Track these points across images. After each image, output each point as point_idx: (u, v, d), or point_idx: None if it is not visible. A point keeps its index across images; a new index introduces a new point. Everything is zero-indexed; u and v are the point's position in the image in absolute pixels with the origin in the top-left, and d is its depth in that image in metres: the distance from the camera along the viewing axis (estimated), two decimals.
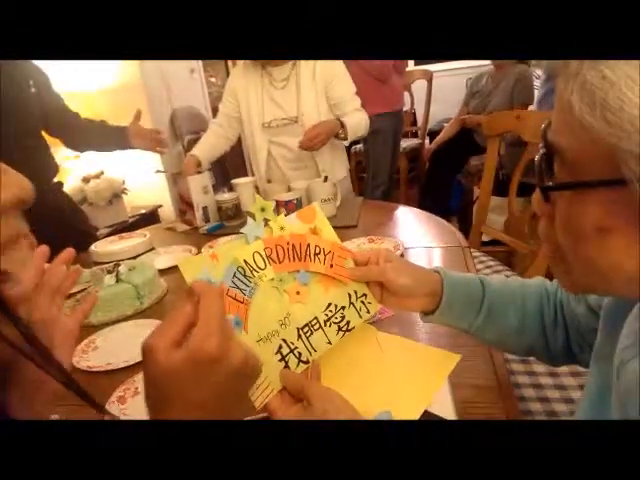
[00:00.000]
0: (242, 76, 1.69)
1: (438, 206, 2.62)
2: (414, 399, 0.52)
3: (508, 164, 2.30)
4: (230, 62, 3.60)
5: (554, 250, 0.37)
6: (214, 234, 1.45)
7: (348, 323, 0.58)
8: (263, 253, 0.53)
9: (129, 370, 0.77)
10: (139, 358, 0.79)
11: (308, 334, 0.55)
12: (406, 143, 3.28)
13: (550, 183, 0.34)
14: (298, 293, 0.55)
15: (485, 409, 0.59)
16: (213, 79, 3.46)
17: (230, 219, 1.49)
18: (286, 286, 0.54)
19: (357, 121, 1.65)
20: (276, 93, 1.65)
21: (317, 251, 0.58)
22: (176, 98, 2.87)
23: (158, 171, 2.49)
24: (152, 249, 1.37)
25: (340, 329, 0.57)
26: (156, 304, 1.03)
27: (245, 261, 0.51)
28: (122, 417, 0.66)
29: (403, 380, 0.55)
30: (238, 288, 0.50)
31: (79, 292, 1.10)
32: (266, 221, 0.55)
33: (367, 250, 0.62)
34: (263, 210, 0.55)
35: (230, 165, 2.94)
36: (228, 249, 0.51)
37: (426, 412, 0.52)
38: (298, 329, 0.54)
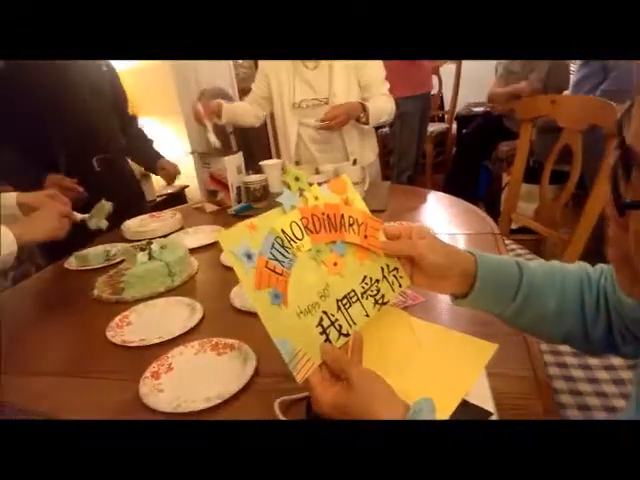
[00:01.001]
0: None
1: (464, 192, 2.57)
2: (452, 388, 0.52)
3: (539, 150, 2.24)
4: None
5: (621, 257, 0.35)
6: (241, 215, 1.46)
7: (383, 296, 0.58)
8: (300, 223, 0.53)
9: (162, 346, 0.79)
10: (172, 335, 0.82)
11: (347, 306, 0.54)
12: (433, 127, 3.22)
13: (628, 199, 0.31)
14: (335, 264, 0.55)
15: (521, 400, 0.58)
16: (240, 60, 3.44)
17: (257, 200, 1.49)
18: (323, 257, 0.54)
19: (381, 106, 1.63)
20: (308, 74, 1.64)
21: (351, 222, 0.58)
22: (203, 79, 2.86)
23: (192, 152, 2.50)
24: (181, 228, 1.38)
25: (376, 302, 0.57)
26: (187, 282, 1.04)
27: (283, 231, 0.51)
28: (156, 392, 0.67)
29: (440, 368, 0.55)
30: (277, 260, 0.50)
31: (112, 267, 1.12)
32: (301, 191, 0.55)
33: (399, 224, 0.61)
34: (297, 179, 0.55)
35: (256, 148, 2.94)
36: (266, 218, 0.51)
37: (464, 401, 0.51)
38: (337, 301, 0.54)
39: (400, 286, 0.59)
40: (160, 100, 2.69)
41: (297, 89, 1.65)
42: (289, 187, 0.54)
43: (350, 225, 0.57)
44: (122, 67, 2.56)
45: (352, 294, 0.55)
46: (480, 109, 3.21)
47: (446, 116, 3.61)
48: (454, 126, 3.45)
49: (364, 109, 1.57)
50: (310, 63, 1.64)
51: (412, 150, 2.65)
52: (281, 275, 0.50)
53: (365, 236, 0.58)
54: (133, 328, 0.87)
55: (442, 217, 1.30)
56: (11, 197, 1.09)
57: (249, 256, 0.48)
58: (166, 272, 1.00)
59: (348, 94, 1.62)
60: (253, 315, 0.84)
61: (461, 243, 1.10)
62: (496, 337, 0.67)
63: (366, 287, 0.57)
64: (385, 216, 1.27)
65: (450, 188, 2.92)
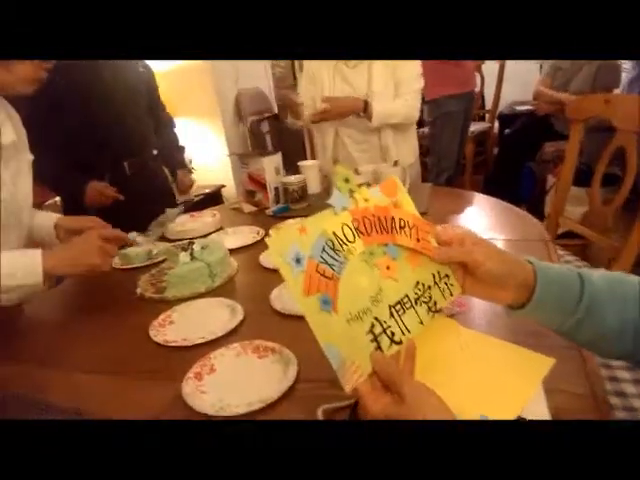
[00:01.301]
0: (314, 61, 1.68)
1: (506, 194, 2.49)
2: (507, 404, 0.49)
3: (588, 151, 2.14)
4: None
5: None
6: (279, 216, 1.45)
7: (435, 303, 0.56)
8: (351, 225, 0.52)
9: (204, 347, 0.79)
10: (214, 335, 0.82)
11: (400, 313, 0.52)
12: (474, 126, 3.14)
13: None
14: (388, 268, 0.53)
15: (578, 417, 0.54)
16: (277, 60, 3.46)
17: (296, 202, 1.49)
18: (376, 260, 0.52)
19: (393, 107, 1.61)
20: (348, 72, 1.64)
21: (402, 224, 0.56)
22: (242, 79, 2.89)
23: (230, 154, 2.53)
24: (221, 228, 1.39)
25: (430, 309, 0.55)
26: (227, 283, 1.05)
27: (334, 233, 0.50)
28: (199, 394, 0.67)
29: (494, 382, 0.52)
30: (327, 263, 0.49)
31: (154, 266, 1.14)
32: (351, 192, 0.53)
33: (451, 230, 0.58)
34: (347, 181, 0.53)
35: (291, 148, 2.95)
36: (317, 221, 0.50)
37: (520, 418, 0.48)
38: (390, 307, 0.52)
39: (451, 294, 0.57)
40: (199, 101, 2.74)
41: (337, 87, 1.65)
42: (339, 188, 0.53)
43: (401, 228, 0.55)
44: (161, 68, 2.62)
45: (405, 300, 0.54)
46: (524, 108, 3.11)
47: (487, 115, 3.52)
48: (496, 125, 3.36)
49: (366, 107, 1.56)
50: (350, 62, 1.63)
51: (453, 150, 2.59)
52: (331, 279, 0.48)
53: (417, 239, 0.56)
54: (175, 327, 0.87)
55: (488, 221, 1.26)
56: (49, 218, 1.08)
57: (298, 260, 0.47)
58: (207, 272, 1.00)
59: (387, 93, 1.61)
60: (294, 318, 0.84)
61: (510, 250, 1.05)
62: (549, 350, 0.64)
63: (419, 293, 0.55)
64: (427, 219, 1.23)
65: (491, 190, 2.84)
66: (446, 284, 0.57)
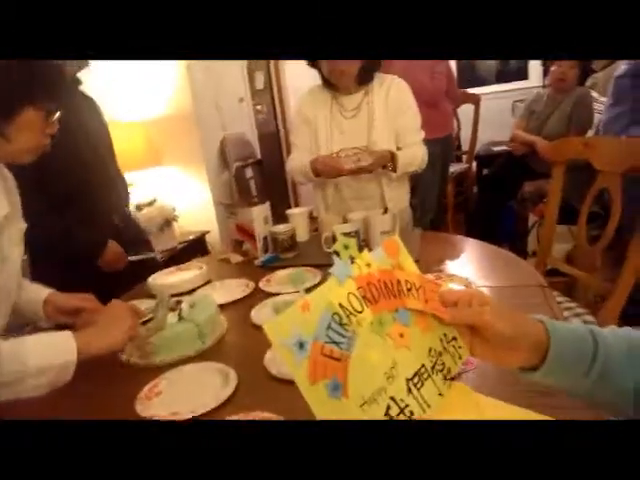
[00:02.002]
0: (311, 104, 1.66)
1: (488, 233, 2.52)
2: None
3: (568, 190, 2.19)
4: (275, 90, 3.66)
5: None
6: (269, 266, 1.42)
7: (449, 370, 0.53)
8: (357, 293, 0.48)
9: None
10: (206, 408, 0.76)
11: (419, 386, 0.49)
12: (453, 167, 3.21)
13: None
14: (402, 335, 0.50)
15: None
16: (259, 107, 3.51)
17: (285, 251, 1.46)
18: (387, 329, 0.49)
19: (411, 156, 1.60)
20: (345, 123, 1.62)
21: (409, 287, 0.52)
22: (227, 126, 2.91)
23: (221, 203, 2.51)
24: (209, 282, 1.35)
25: (445, 377, 0.52)
26: (217, 344, 0.99)
27: (341, 305, 0.46)
28: None
29: None
30: (334, 342, 0.45)
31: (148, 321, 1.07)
32: (352, 259, 0.50)
33: (457, 290, 0.56)
34: (347, 248, 0.51)
35: (274, 194, 2.95)
36: (321, 294, 0.46)
37: None
38: (407, 380, 0.48)
39: (460, 358, 0.54)
40: (184, 148, 2.73)
41: (334, 138, 1.63)
42: (339, 256, 0.50)
43: (409, 290, 0.52)
44: (146, 117, 2.63)
45: (423, 370, 0.50)
46: (500, 148, 3.19)
47: (464, 156, 3.60)
48: (474, 165, 3.44)
49: (392, 158, 1.55)
50: (348, 112, 1.62)
51: (434, 193, 2.63)
52: (339, 360, 0.44)
53: (426, 300, 0.53)
54: (163, 399, 0.81)
55: (480, 267, 1.25)
56: (39, 293, 0.99)
57: (301, 345, 0.43)
58: (197, 333, 0.95)
59: (388, 142, 1.59)
60: (291, 383, 0.79)
61: (506, 297, 1.04)
62: (562, 410, 0.61)
63: (434, 360, 0.52)
64: (419, 267, 1.21)
65: (473, 229, 2.87)
66: (454, 347, 0.54)
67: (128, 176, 2.50)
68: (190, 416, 0.74)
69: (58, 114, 0.86)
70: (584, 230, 1.48)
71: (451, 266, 1.25)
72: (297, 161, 1.67)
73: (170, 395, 0.82)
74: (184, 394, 0.82)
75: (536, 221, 2.51)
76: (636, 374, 0.52)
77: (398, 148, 1.60)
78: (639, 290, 1.26)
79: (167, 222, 2.43)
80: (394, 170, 1.56)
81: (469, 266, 1.26)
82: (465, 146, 3.63)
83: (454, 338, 0.54)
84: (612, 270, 1.38)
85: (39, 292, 1.00)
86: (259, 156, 3.15)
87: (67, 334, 0.78)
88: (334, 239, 1.32)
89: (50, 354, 0.74)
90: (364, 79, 1.58)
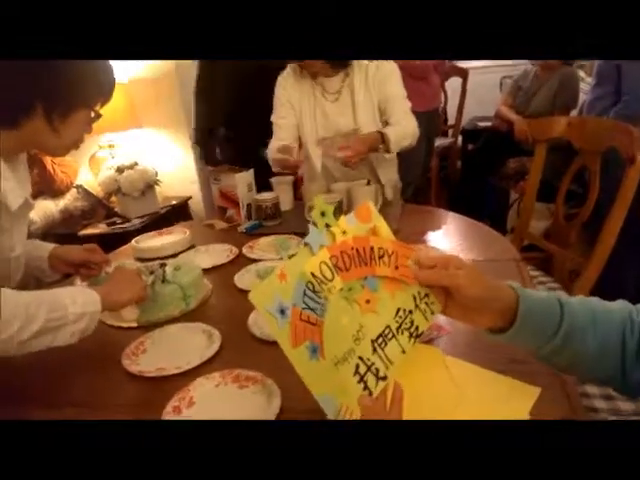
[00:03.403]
0: (293, 87, 1.59)
1: (471, 209, 2.56)
2: None
3: (549, 168, 2.23)
4: None
5: None
6: (252, 233, 1.43)
7: (417, 328, 0.55)
8: (329, 262, 0.50)
9: (182, 376, 0.76)
10: (191, 364, 0.79)
11: (383, 346, 0.52)
12: (438, 141, 3.21)
13: None
14: (368, 302, 0.52)
15: None
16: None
17: (269, 218, 1.47)
18: (356, 295, 0.51)
19: (402, 130, 1.52)
20: (329, 106, 1.57)
21: (381, 253, 0.55)
22: None
23: (194, 144, 2.44)
24: (192, 247, 1.36)
25: (411, 335, 0.55)
26: (201, 306, 1.02)
27: (313, 274, 0.49)
28: None
29: (483, 415, 0.52)
30: (310, 308, 0.47)
31: None
32: (327, 226, 0.52)
33: (434, 254, 0.58)
34: (323, 215, 0.52)
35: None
36: (295, 264, 0.48)
37: None
38: (372, 342, 0.51)
39: (432, 313, 0.57)
40: (164, 111, 2.68)
41: (319, 123, 1.58)
42: (315, 225, 0.51)
43: (380, 257, 0.55)
44: (126, 77, 2.56)
45: (387, 331, 0.53)
46: (486, 123, 3.21)
47: (450, 130, 3.61)
48: (459, 140, 3.45)
49: (383, 139, 1.46)
50: (330, 95, 1.56)
51: (419, 165, 2.64)
52: (315, 325, 0.47)
53: (396, 267, 0.55)
54: (149, 356, 0.84)
55: (459, 240, 1.28)
56: (43, 248, 1.05)
57: (282, 311, 0.45)
58: (181, 295, 0.97)
59: (375, 123, 1.56)
60: (273, 344, 0.81)
61: (482, 270, 1.07)
62: (529, 375, 0.65)
63: (400, 321, 0.54)
64: (398, 239, 1.24)
65: (456, 204, 2.91)
66: (426, 304, 0.57)
67: (109, 137, 2.48)
68: (175, 371, 0.77)
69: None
70: (562, 206, 1.52)
71: (430, 238, 1.28)
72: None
73: (155, 353, 0.85)
74: (169, 352, 0.84)
75: (517, 198, 2.56)
76: (597, 341, 0.56)
77: (387, 122, 1.57)
78: (610, 267, 1.32)
79: (149, 186, 2.40)
80: (387, 150, 1.50)
81: (447, 239, 1.29)
82: (451, 120, 3.63)
83: (427, 295, 0.57)
84: (587, 247, 1.43)
85: (43, 247, 1.05)
86: None
87: (87, 289, 0.83)
88: None
89: (84, 302, 0.79)
90: (337, 64, 1.51)
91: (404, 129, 1.53)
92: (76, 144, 0.91)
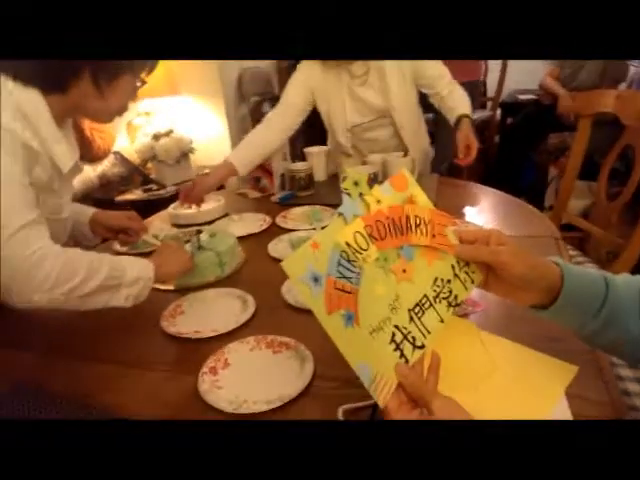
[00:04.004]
0: (319, 74, 1.52)
1: (507, 184, 2.49)
2: (532, 414, 0.49)
3: (592, 145, 2.14)
4: None
5: None
6: (285, 203, 1.44)
7: (456, 297, 0.55)
8: (364, 232, 0.50)
9: (216, 339, 0.78)
10: (226, 328, 0.81)
11: (419, 315, 0.52)
12: (476, 114, 3.10)
13: None
14: (404, 271, 0.52)
15: None
16: None
17: (302, 189, 1.47)
18: (391, 265, 0.51)
19: (466, 99, 1.49)
20: (358, 89, 1.52)
21: (417, 222, 0.54)
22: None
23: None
24: (226, 215, 1.37)
25: (450, 304, 0.54)
26: (236, 273, 1.04)
27: (347, 243, 0.48)
28: (215, 390, 0.67)
29: (517, 390, 0.52)
30: (344, 277, 0.47)
31: None
32: (361, 195, 0.52)
33: (475, 228, 0.57)
34: (357, 184, 0.51)
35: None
36: (328, 233, 0.48)
37: None
38: (409, 311, 0.51)
39: (473, 282, 0.56)
40: (201, 79, 2.68)
41: (351, 109, 1.54)
42: (349, 194, 0.51)
43: (417, 226, 0.54)
44: None
45: (424, 300, 0.53)
46: (527, 97, 3.08)
47: (489, 103, 3.49)
48: (498, 113, 3.33)
49: (471, 121, 1.44)
50: (357, 79, 1.51)
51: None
52: (350, 293, 0.47)
53: (433, 235, 0.55)
54: (186, 318, 0.87)
55: (496, 216, 1.26)
56: (85, 213, 1.08)
57: (316, 279, 0.45)
58: (217, 262, 0.99)
59: (408, 103, 1.52)
60: (307, 312, 0.83)
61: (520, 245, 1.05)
62: (565, 354, 0.64)
63: (438, 290, 0.54)
64: None
65: (491, 179, 2.83)
66: (466, 273, 0.56)
67: (146, 104, 2.50)
68: (211, 334, 0.79)
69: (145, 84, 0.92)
70: (604, 184, 1.47)
71: (466, 213, 1.26)
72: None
73: (192, 315, 0.88)
74: (205, 315, 0.87)
75: (556, 174, 2.48)
76: (639, 322, 0.54)
77: (434, 94, 1.52)
78: None
79: (184, 154, 2.43)
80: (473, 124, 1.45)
81: (484, 214, 1.27)
82: (491, 92, 3.50)
83: (467, 264, 0.56)
84: (627, 228, 1.38)
85: (84, 211, 1.09)
86: (277, 92, 3.09)
87: (144, 259, 0.87)
88: None
89: (140, 268, 0.83)
90: None
91: (466, 100, 1.50)
92: (121, 111, 0.92)
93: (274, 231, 1.24)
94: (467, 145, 1.37)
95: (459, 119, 1.43)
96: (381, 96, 1.51)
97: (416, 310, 0.52)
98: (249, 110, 2.81)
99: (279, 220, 1.30)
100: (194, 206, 1.35)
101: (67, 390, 0.70)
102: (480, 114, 3.23)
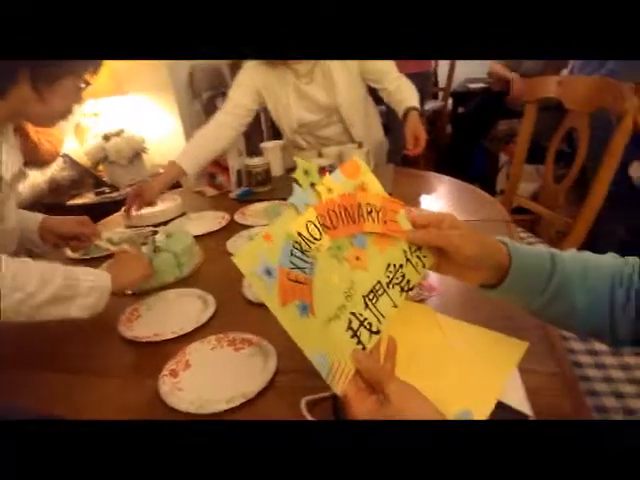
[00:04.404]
0: (264, 74, 1.51)
1: (459, 171, 2.56)
2: (486, 391, 0.51)
3: (538, 129, 2.22)
4: None
5: None
6: (243, 200, 1.43)
7: (409, 282, 0.56)
8: (316, 221, 0.50)
9: (177, 341, 0.77)
10: (186, 329, 0.80)
11: (374, 301, 0.52)
12: (428, 105, 3.17)
13: None
14: (358, 258, 0.52)
15: (551, 398, 0.58)
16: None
17: (259, 185, 1.46)
18: (345, 253, 0.51)
19: (414, 92, 1.52)
20: (306, 88, 1.52)
21: (369, 209, 0.54)
22: None
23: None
24: (183, 214, 1.35)
25: (402, 289, 0.55)
26: (195, 272, 1.02)
27: (299, 234, 0.48)
28: (176, 391, 0.66)
29: (472, 369, 0.54)
30: (298, 267, 0.47)
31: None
32: (312, 185, 0.51)
33: (428, 213, 0.58)
34: (307, 173, 0.51)
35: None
36: (280, 225, 0.48)
37: (500, 404, 0.51)
38: (364, 297, 0.52)
39: (424, 266, 0.57)
40: (150, 76, 2.60)
41: (294, 110, 1.54)
42: (299, 184, 0.50)
43: (369, 213, 0.54)
44: None
45: (378, 286, 0.53)
46: (477, 85, 3.16)
47: (440, 93, 3.56)
48: (449, 103, 3.41)
49: (420, 113, 1.47)
50: (303, 78, 1.50)
51: None
52: (304, 284, 0.47)
53: (385, 222, 0.55)
54: (144, 322, 0.85)
55: (450, 202, 1.29)
56: (34, 220, 1.04)
57: (269, 272, 0.45)
58: (174, 263, 0.97)
59: (355, 98, 1.54)
60: (267, 308, 0.83)
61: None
62: (517, 331, 0.67)
63: (391, 275, 0.55)
64: None
65: (445, 167, 2.90)
66: (418, 257, 0.57)
67: (92, 104, 2.42)
68: (171, 336, 0.78)
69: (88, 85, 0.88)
70: (551, 167, 1.53)
71: (421, 201, 1.29)
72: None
73: (150, 318, 0.86)
74: (164, 317, 0.85)
75: (506, 161, 2.56)
76: (587, 295, 0.57)
77: (382, 89, 1.55)
78: (597, 227, 1.34)
79: (136, 154, 2.36)
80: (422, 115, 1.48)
81: (439, 201, 1.30)
82: (442, 83, 3.57)
83: (419, 248, 0.57)
84: (574, 208, 1.45)
85: (32, 219, 1.04)
86: (230, 86, 3.04)
87: (100, 270, 0.84)
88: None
89: (95, 278, 0.80)
90: None
91: (414, 92, 1.52)
92: (65, 114, 0.89)
93: (233, 228, 1.23)
94: (415, 137, 1.41)
95: (407, 112, 1.46)
96: (327, 93, 1.51)
97: (370, 296, 0.52)
98: (202, 106, 2.76)
99: (238, 217, 1.28)
100: (148, 208, 1.32)
101: (23, 401, 0.68)
102: (432, 104, 3.30)
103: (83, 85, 0.87)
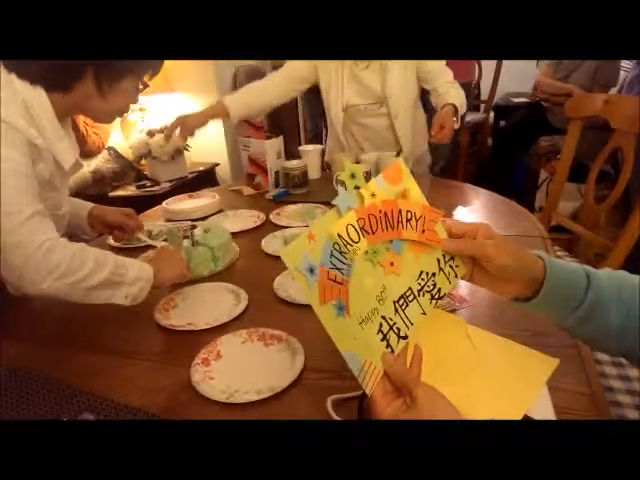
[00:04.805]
0: None
1: (498, 186, 2.52)
2: (514, 404, 0.51)
3: (581, 148, 2.17)
4: None
5: None
6: (279, 201, 1.45)
7: (439, 290, 0.56)
8: (356, 225, 0.51)
9: (210, 332, 0.80)
10: (219, 321, 0.82)
11: (404, 307, 0.53)
12: (469, 117, 3.14)
13: None
14: (392, 264, 0.53)
15: (579, 418, 0.57)
16: None
17: (296, 187, 1.49)
18: (380, 257, 0.52)
19: (462, 99, 1.50)
20: (360, 72, 1.55)
21: (409, 217, 0.55)
22: None
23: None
24: (220, 211, 1.39)
25: (432, 297, 0.56)
26: (229, 268, 1.05)
27: (339, 235, 0.50)
28: (208, 380, 0.68)
29: (500, 382, 0.54)
30: (337, 268, 0.49)
31: (152, 247, 1.13)
32: (357, 188, 0.52)
33: (464, 222, 0.58)
34: (353, 177, 0.52)
35: (286, 130, 2.91)
36: (322, 225, 0.49)
37: (526, 417, 0.50)
38: (394, 302, 0.53)
39: (456, 276, 0.58)
40: (197, 76, 2.68)
41: (346, 91, 1.57)
42: (344, 186, 0.52)
43: (408, 220, 0.55)
44: None
45: (408, 293, 0.54)
46: (520, 100, 3.11)
47: (482, 106, 3.52)
48: (491, 116, 3.37)
49: (455, 111, 1.45)
50: (361, 63, 1.54)
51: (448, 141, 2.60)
52: (342, 284, 0.49)
53: (423, 230, 0.56)
54: (179, 311, 0.88)
55: (486, 215, 1.28)
56: (82, 207, 1.09)
57: (311, 270, 0.47)
58: (210, 257, 1.01)
59: (406, 93, 1.55)
60: (298, 306, 0.85)
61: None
62: (548, 348, 0.66)
63: (422, 283, 0.55)
64: None
65: (484, 180, 2.86)
66: (451, 267, 0.57)
67: (140, 100, 2.50)
68: (204, 327, 0.80)
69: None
70: (592, 187, 1.49)
71: (457, 212, 1.28)
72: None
73: (185, 308, 0.89)
74: (198, 309, 0.88)
75: (547, 177, 2.51)
76: (621, 315, 0.56)
77: (429, 90, 1.55)
78: (637, 252, 1.30)
79: (178, 151, 2.43)
80: (457, 120, 1.45)
81: (475, 214, 1.29)
82: (484, 95, 3.53)
83: (452, 258, 0.58)
84: (615, 230, 1.41)
85: (82, 206, 1.10)
86: None
87: (144, 262, 0.87)
88: None
89: (140, 269, 0.83)
90: None
91: (462, 96, 1.50)
92: (122, 112, 0.94)
93: (268, 228, 1.25)
94: (441, 124, 1.39)
95: (444, 106, 1.45)
96: (380, 82, 1.54)
97: (400, 302, 0.53)
98: None
99: (273, 217, 1.31)
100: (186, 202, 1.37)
101: (58, 375, 0.71)
102: (473, 116, 3.27)
103: (141, 86, 0.92)
